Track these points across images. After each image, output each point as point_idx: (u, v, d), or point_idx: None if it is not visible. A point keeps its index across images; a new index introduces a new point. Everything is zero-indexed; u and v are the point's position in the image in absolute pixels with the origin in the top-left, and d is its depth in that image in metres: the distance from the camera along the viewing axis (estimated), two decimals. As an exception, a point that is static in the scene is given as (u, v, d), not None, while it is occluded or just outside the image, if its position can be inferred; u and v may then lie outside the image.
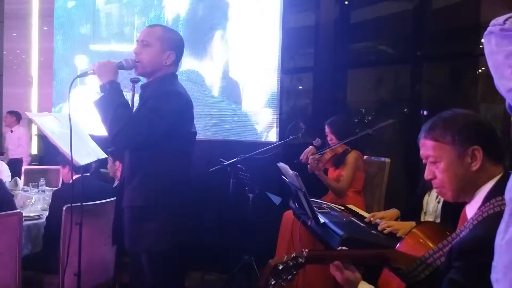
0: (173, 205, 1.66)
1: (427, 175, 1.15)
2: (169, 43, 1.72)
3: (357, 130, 2.86)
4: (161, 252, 1.65)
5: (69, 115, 1.76)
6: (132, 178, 1.69)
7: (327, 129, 2.89)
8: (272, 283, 1.16)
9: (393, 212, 2.13)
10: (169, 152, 1.66)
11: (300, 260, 1.18)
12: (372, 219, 2.05)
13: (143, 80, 1.79)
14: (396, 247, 1.38)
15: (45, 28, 5.02)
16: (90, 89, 4.21)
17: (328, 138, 2.88)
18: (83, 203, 2.04)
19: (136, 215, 1.67)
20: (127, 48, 4.16)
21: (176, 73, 1.79)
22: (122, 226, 1.73)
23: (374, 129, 2.78)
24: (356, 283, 1.20)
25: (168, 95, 1.65)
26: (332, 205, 2.37)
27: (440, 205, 1.91)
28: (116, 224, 1.77)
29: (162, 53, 1.70)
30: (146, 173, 1.66)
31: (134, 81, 1.76)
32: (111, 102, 1.59)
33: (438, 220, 1.91)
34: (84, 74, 1.72)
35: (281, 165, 2.26)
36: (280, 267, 1.16)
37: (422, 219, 2.02)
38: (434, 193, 1.94)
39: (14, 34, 5.21)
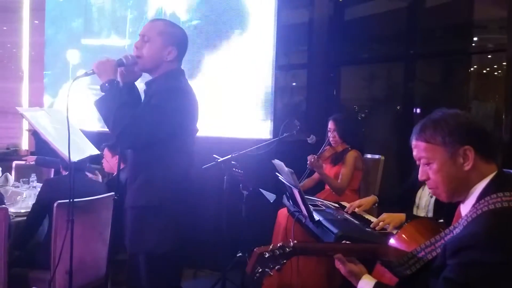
0: (176, 205, 1.63)
1: (421, 176, 1.15)
2: (171, 39, 1.67)
3: (363, 130, 2.82)
4: (163, 252, 1.61)
5: (67, 118, 1.68)
6: (135, 178, 1.65)
7: (331, 125, 2.83)
8: (259, 271, 1.15)
9: (370, 199, 2.17)
10: (172, 152, 1.62)
11: (287, 249, 1.17)
12: (350, 208, 2.12)
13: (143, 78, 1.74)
14: (389, 242, 1.38)
15: (36, 21, 4.94)
16: (82, 84, 4.16)
17: (331, 135, 2.81)
18: (75, 199, 2.01)
19: (140, 216, 1.63)
20: (120, 43, 4.12)
21: (182, 68, 1.73)
22: (123, 227, 1.69)
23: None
24: (360, 275, 1.19)
25: (172, 92, 1.60)
26: (326, 202, 2.38)
27: (433, 199, 1.91)
28: (116, 225, 1.73)
29: (163, 48, 1.65)
30: (149, 173, 1.62)
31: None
32: (112, 102, 1.55)
33: (430, 215, 1.92)
34: (84, 75, 1.65)
35: (277, 162, 2.25)
36: (266, 255, 1.15)
37: (413, 213, 2.03)
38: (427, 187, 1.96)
39: (5, 28, 5.12)
